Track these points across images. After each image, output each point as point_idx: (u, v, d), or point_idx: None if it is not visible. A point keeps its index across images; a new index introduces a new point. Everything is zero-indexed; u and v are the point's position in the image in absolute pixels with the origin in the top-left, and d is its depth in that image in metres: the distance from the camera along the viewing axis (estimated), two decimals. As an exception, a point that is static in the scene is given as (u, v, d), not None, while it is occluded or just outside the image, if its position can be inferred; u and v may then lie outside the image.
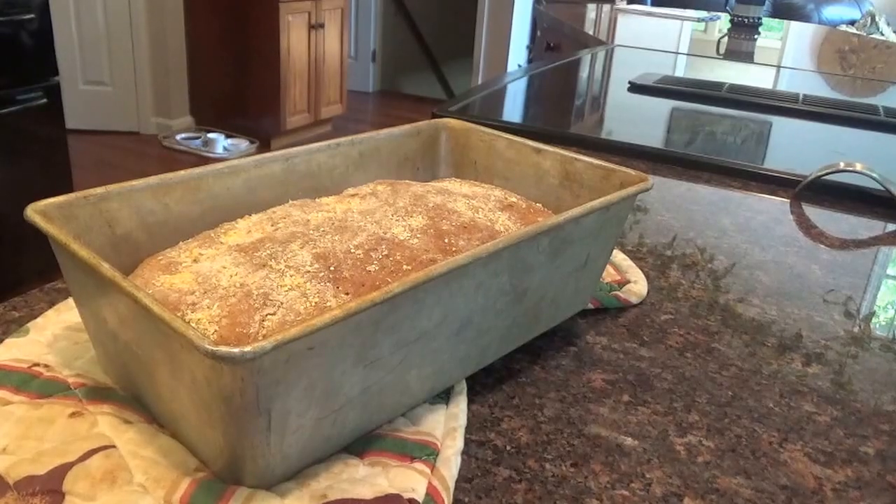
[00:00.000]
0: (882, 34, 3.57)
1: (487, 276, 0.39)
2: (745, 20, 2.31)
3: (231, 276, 0.37)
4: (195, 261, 0.40)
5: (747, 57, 2.03)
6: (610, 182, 0.49)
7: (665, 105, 1.31)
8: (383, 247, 0.40)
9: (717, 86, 1.37)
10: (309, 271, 0.37)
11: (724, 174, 0.92)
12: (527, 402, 0.44)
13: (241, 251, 0.40)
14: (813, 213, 0.74)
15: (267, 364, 0.29)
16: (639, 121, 1.22)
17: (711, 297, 0.58)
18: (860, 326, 0.56)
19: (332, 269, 0.38)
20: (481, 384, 0.45)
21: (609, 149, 0.56)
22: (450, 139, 0.60)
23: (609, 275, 0.58)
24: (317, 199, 0.48)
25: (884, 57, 2.17)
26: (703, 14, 2.67)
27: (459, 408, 0.42)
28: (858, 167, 0.77)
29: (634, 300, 0.55)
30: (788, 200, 0.73)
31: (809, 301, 0.59)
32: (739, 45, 2.17)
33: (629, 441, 0.39)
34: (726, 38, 2.26)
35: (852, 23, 3.84)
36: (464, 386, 0.43)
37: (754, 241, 0.66)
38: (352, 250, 0.39)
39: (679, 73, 1.70)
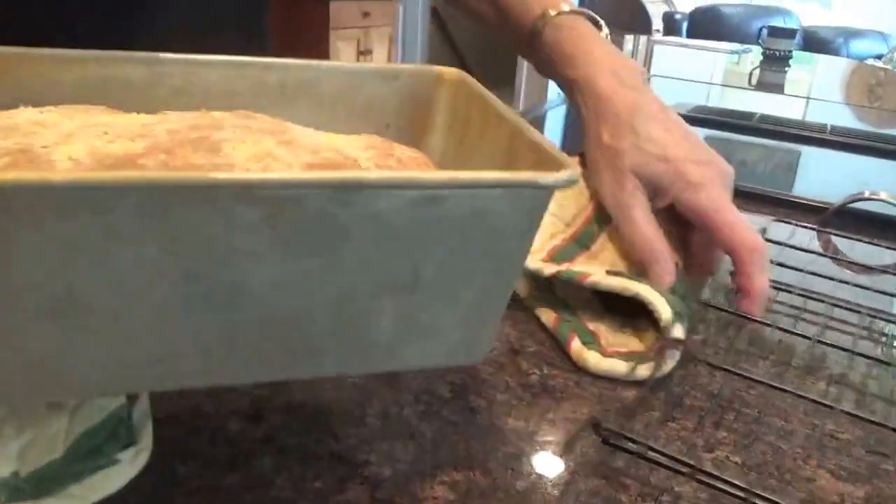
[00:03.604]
0: (908, 68, 3.56)
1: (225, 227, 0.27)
2: (777, 53, 2.33)
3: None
4: None
5: (778, 88, 2.05)
6: (541, 168, 0.32)
7: (699, 133, 1.32)
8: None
9: (749, 115, 1.39)
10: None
11: (754, 201, 0.93)
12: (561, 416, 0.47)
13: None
14: (839, 239, 0.75)
15: None
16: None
17: (739, 319, 0.60)
18: (882, 349, 0.58)
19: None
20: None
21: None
22: (449, 98, 0.44)
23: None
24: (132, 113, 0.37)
25: (912, 89, 2.17)
26: (736, 47, 2.69)
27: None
28: (883, 196, 0.78)
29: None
30: (816, 227, 0.75)
31: (833, 325, 0.61)
32: (770, 76, 2.19)
33: (658, 456, 0.41)
34: (758, 70, 2.28)
35: (879, 57, 3.83)
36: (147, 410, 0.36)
37: (782, 265, 0.68)
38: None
39: (712, 102, 1.72)
